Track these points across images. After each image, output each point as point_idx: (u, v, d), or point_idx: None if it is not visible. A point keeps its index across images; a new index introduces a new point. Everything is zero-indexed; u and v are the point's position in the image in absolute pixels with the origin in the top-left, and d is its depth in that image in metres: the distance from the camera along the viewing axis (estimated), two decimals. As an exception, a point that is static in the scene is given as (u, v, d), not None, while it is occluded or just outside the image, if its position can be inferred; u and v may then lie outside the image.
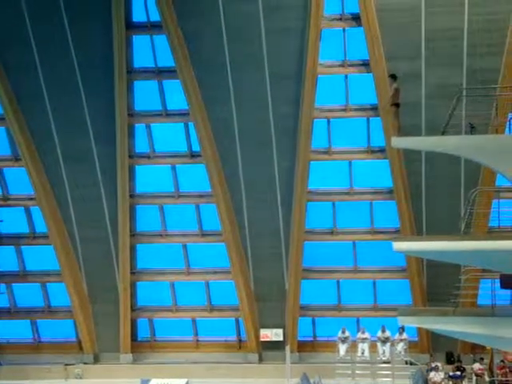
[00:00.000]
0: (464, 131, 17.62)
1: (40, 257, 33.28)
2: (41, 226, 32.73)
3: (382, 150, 30.36)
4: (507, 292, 27.33)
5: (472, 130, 17.59)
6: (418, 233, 30.04)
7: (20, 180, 32.23)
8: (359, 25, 28.69)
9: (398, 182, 30.03)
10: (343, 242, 32.09)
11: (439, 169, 29.50)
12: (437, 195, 30.20)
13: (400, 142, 20.94)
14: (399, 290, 31.82)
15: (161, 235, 32.94)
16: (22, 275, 33.83)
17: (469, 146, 17.06)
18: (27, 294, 34.01)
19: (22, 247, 33.61)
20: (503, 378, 28.32)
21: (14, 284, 34.09)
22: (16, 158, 32.08)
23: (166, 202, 32.56)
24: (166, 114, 31.39)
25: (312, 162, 30.75)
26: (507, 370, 28.85)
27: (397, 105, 19.33)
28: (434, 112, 28.03)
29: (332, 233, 31.98)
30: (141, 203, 32.53)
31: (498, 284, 18.88)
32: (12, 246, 33.49)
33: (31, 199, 32.45)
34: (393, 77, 19.59)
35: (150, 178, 32.35)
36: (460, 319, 16.93)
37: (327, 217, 31.79)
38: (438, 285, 29.78)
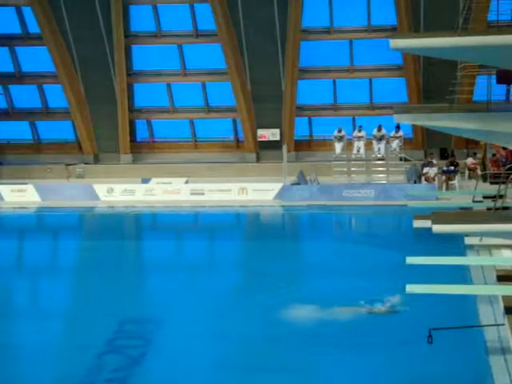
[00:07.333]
0: None
1: (35, 58, 33.00)
2: (34, 27, 32.16)
3: None
4: (503, 88, 27.51)
5: None
6: (415, 30, 29.69)
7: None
8: None
9: (396, -22, 29.38)
10: (340, 41, 31.77)
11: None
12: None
13: None
14: (395, 88, 31.86)
15: (155, 36, 32.53)
16: (18, 76, 33.68)
17: None
18: (25, 96, 34.02)
19: (16, 48, 33.22)
20: (495, 171, 28.84)
21: (10, 85, 34.00)
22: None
23: (160, 2, 31.87)
24: None
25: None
26: (499, 163, 29.46)
27: None
28: None
29: (329, 32, 31.59)
30: (134, 3, 31.88)
31: (494, 80, 18.87)
32: (5, 47, 33.09)
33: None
34: None
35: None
36: (455, 115, 16.95)
37: (324, 15, 31.24)
38: (434, 83, 29.82)
